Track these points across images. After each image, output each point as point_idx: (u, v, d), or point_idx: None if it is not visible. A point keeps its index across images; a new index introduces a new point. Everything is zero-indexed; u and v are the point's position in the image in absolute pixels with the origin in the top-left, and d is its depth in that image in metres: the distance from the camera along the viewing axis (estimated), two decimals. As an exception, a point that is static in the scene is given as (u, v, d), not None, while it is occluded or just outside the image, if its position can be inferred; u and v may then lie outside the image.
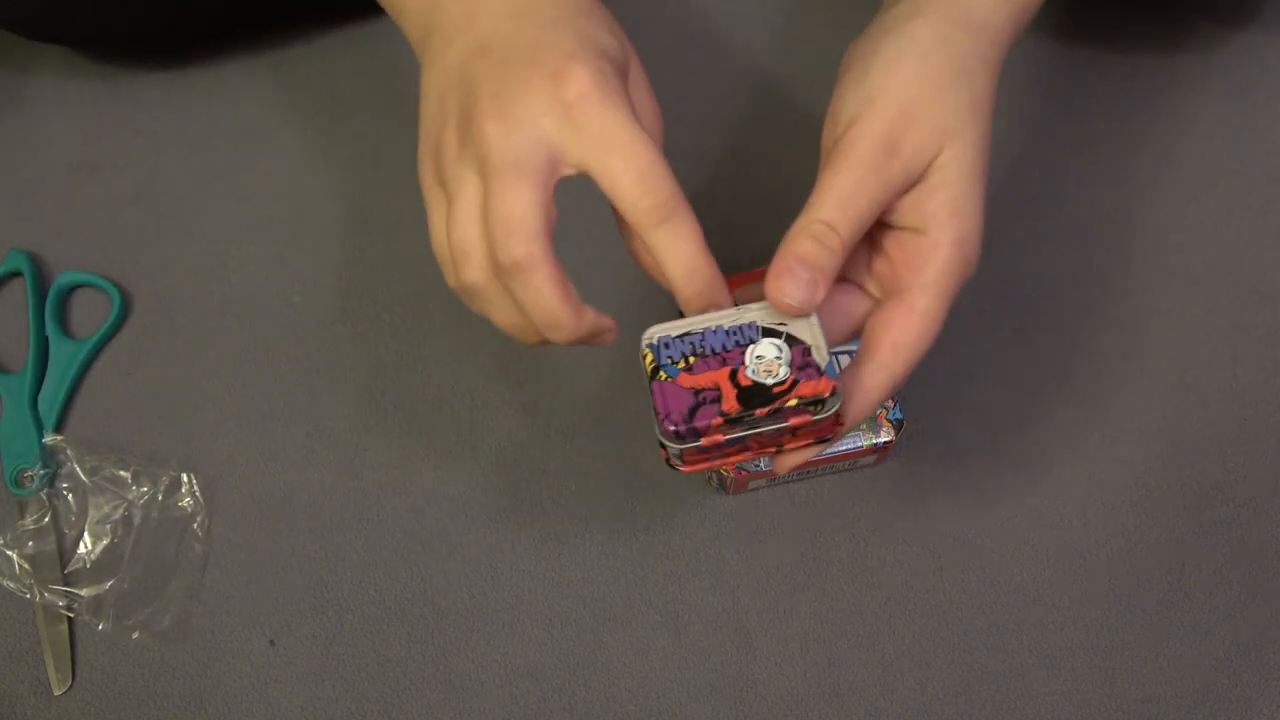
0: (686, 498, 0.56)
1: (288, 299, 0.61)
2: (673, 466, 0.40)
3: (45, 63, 0.68)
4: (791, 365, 0.38)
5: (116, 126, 0.67)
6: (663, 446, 0.39)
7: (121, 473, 0.56)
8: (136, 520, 0.55)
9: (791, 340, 0.39)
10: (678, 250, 0.38)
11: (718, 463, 0.40)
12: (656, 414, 0.38)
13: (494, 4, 0.41)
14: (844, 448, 0.52)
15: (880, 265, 0.42)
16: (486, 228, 0.37)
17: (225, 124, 0.67)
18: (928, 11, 0.41)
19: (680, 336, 0.39)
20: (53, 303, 0.60)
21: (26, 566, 0.54)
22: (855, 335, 0.43)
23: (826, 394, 0.37)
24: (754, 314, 0.39)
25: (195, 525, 0.55)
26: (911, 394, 0.58)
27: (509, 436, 0.57)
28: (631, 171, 0.37)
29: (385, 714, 0.52)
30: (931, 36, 0.41)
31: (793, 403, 0.37)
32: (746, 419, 0.38)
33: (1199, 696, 0.52)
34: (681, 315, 0.40)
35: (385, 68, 0.68)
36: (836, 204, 0.39)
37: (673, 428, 0.37)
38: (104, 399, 0.59)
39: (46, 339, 0.60)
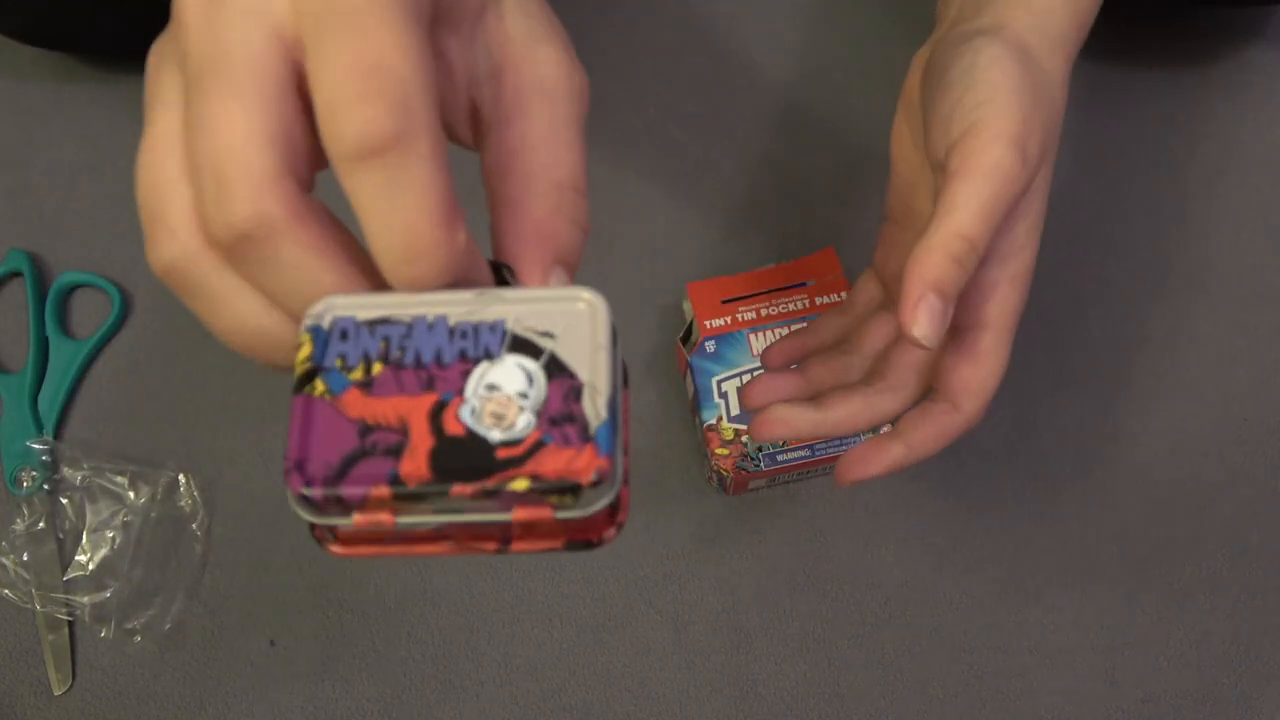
0: (687, 498, 0.56)
1: (288, 299, 0.61)
2: (319, 541, 0.24)
3: (45, 63, 0.68)
4: (541, 413, 0.22)
5: (116, 126, 0.67)
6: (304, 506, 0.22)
7: (121, 475, 0.56)
8: (136, 522, 0.55)
9: (555, 367, 0.22)
10: (393, 207, 0.23)
11: (393, 551, 0.23)
12: (286, 454, 0.22)
13: None
14: (844, 448, 0.52)
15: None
16: (191, 175, 0.23)
17: (225, 124, 0.67)
18: (1012, 25, 0.40)
19: (372, 323, 0.23)
20: (53, 303, 0.60)
21: (25, 574, 0.54)
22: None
23: (585, 480, 0.21)
24: (507, 306, 0.23)
25: (195, 525, 0.55)
26: (911, 394, 0.58)
27: (509, 436, 0.57)
28: (348, 60, 0.21)
29: (385, 714, 0.52)
30: (1027, 51, 0.39)
31: (521, 484, 0.21)
32: (436, 497, 0.21)
33: (1199, 696, 0.52)
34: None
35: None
36: (980, 216, 0.35)
37: (304, 489, 0.21)
38: (104, 399, 0.59)
39: (46, 339, 0.59)
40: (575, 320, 0.22)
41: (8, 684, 0.52)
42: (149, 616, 0.53)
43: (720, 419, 0.52)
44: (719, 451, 0.52)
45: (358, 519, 0.21)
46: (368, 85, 0.21)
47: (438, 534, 0.23)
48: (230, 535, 0.55)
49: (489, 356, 0.22)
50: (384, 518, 0.21)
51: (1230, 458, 0.56)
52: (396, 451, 0.21)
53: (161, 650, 0.53)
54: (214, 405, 0.58)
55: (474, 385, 0.22)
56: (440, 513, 0.22)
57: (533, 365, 0.22)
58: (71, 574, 0.54)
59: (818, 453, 0.52)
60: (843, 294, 0.55)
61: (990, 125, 0.36)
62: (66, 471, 0.56)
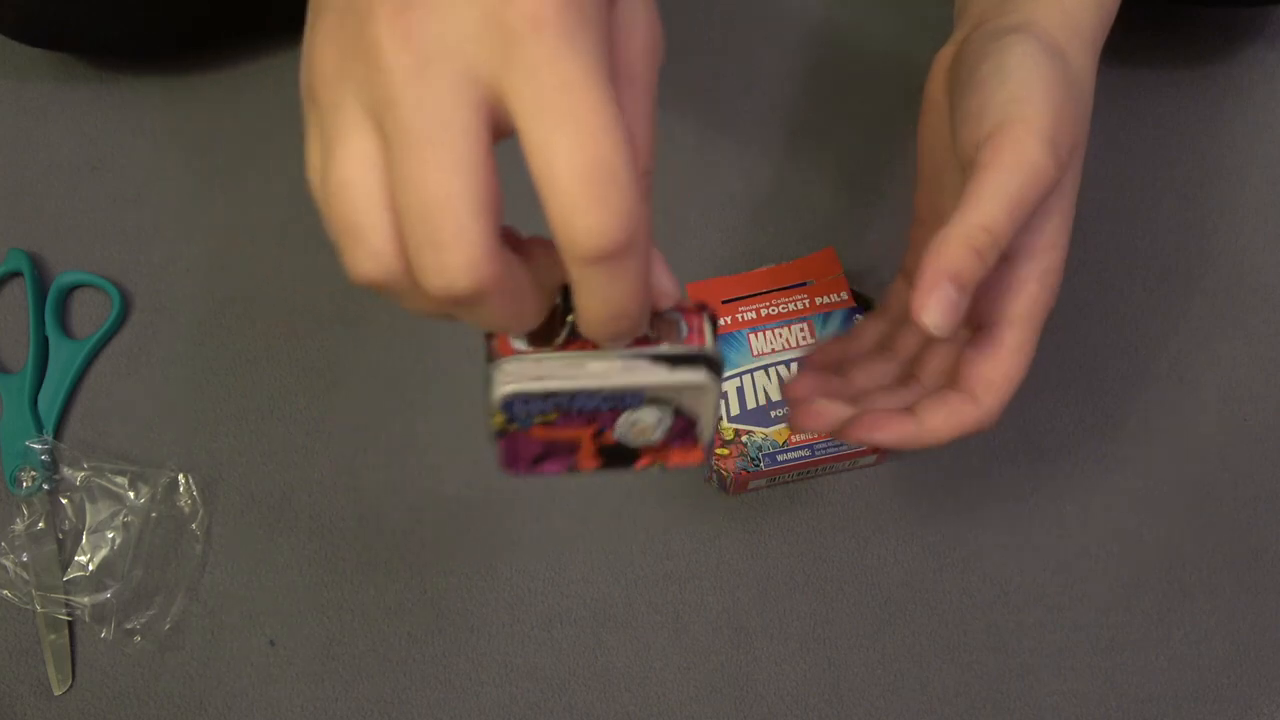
0: (686, 498, 0.56)
1: (288, 299, 0.61)
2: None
3: (45, 63, 0.68)
4: (669, 432, 0.32)
5: (116, 126, 0.67)
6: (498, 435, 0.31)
7: (121, 475, 0.56)
8: (136, 522, 0.55)
9: (679, 412, 0.31)
10: (610, 293, 0.26)
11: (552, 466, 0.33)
12: (502, 462, 0.32)
13: None
14: (844, 448, 0.52)
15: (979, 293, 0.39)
16: (398, 215, 0.25)
17: (225, 124, 0.67)
18: (1042, 22, 0.40)
19: (544, 396, 0.30)
20: (53, 303, 0.60)
21: (25, 575, 0.54)
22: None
23: (697, 465, 0.33)
24: (643, 375, 0.30)
25: (194, 525, 0.55)
26: (911, 394, 0.58)
27: (509, 436, 0.57)
28: (578, 162, 0.24)
29: (385, 714, 0.52)
30: (1056, 48, 0.39)
31: (652, 465, 0.33)
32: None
33: (1199, 696, 0.52)
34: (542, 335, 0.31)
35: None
36: (1007, 208, 0.35)
37: (511, 472, 0.32)
38: (104, 399, 0.59)
39: (46, 339, 0.59)
40: (697, 389, 0.31)
41: (8, 684, 0.52)
42: (149, 616, 0.53)
43: (721, 420, 0.52)
44: (720, 451, 0.52)
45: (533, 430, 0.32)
46: (597, 192, 0.24)
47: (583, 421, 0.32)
48: (230, 535, 0.55)
49: (632, 407, 0.31)
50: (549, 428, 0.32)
51: (1230, 458, 0.56)
52: (572, 452, 0.32)
53: (161, 650, 0.53)
54: (214, 405, 0.58)
55: (622, 422, 0.31)
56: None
57: (665, 410, 0.31)
58: (71, 574, 0.54)
59: (818, 453, 0.52)
60: (843, 294, 0.55)
61: (1023, 120, 0.36)
62: (66, 471, 0.56)
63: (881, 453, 0.54)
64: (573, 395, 0.30)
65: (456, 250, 0.24)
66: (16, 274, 0.61)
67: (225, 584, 0.54)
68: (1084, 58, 0.40)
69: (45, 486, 0.56)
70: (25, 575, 0.54)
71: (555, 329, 0.30)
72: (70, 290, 0.62)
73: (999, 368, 0.38)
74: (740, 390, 0.53)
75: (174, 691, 0.52)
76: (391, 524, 0.56)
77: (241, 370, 0.59)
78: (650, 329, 0.31)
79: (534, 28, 0.24)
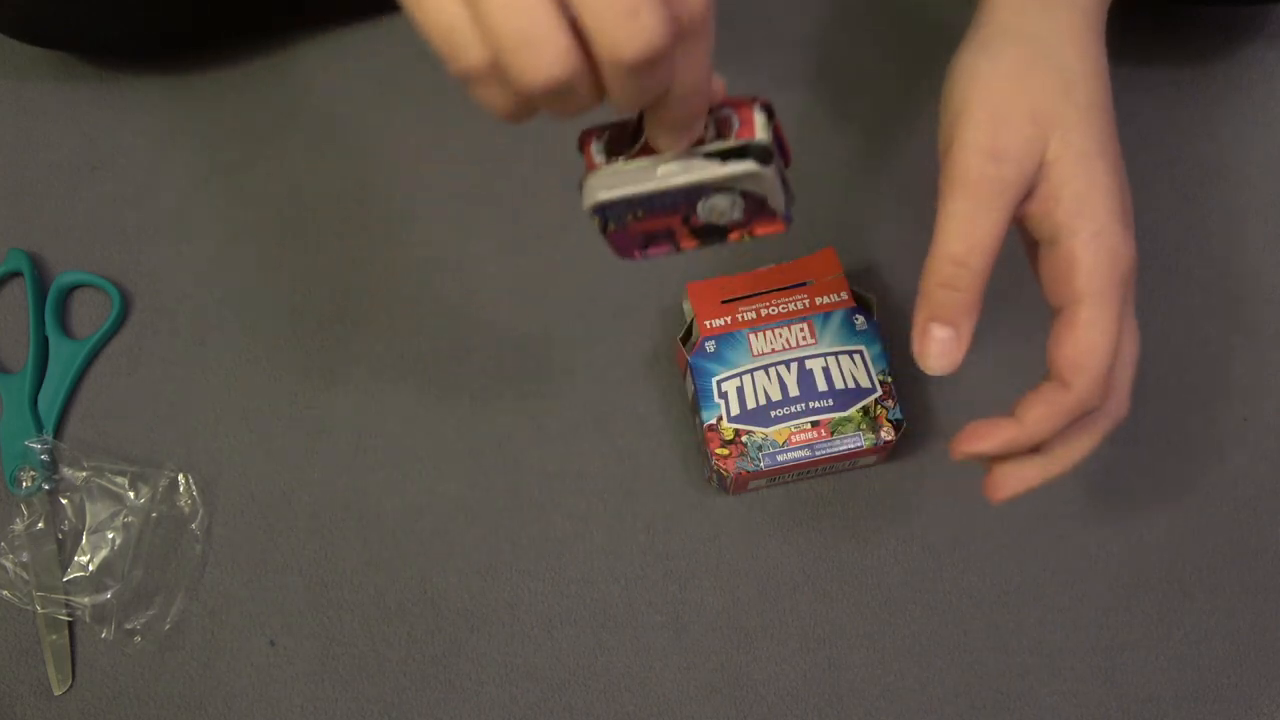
0: (686, 498, 0.56)
1: (288, 299, 0.61)
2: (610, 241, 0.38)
3: (45, 63, 0.68)
4: (745, 211, 0.37)
5: (116, 126, 0.67)
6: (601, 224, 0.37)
7: (121, 475, 0.56)
8: (136, 522, 0.55)
9: (745, 194, 0.36)
10: (649, 97, 0.30)
11: (658, 248, 0.39)
12: (615, 252, 0.39)
13: None
14: (844, 448, 0.52)
15: (1045, 284, 0.40)
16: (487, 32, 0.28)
17: (225, 124, 0.67)
18: (998, 6, 0.40)
19: (624, 201, 0.35)
20: (53, 303, 0.60)
21: (25, 575, 0.54)
22: None
23: (780, 232, 0.38)
24: (699, 171, 0.35)
25: (194, 525, 0.55)
26: (911, 394, 0.58)
27: (509, 436, 0.57)
28: None
29: (385, 714, 0.52)
30: (1004, 31, 0.40)
31: (746, 238, 0.38)
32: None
33: (1199, 696, 0.52)
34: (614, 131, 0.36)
35: (385, 68, 0.68)
36: (961, 234, 0.37)
37: (629, 257, 0.39)
38: (104, 399, 0.59)
39: (46, 339, 0.59)
40: (751, 176, 0.35)
41: (8, 684, 0.52)
42: (149, 617, 0.53)
43: (720, 419, 0.52)
44: (719, 451, 0.52)
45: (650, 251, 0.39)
46: (625, 7, 0.27)
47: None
48: (230, 535, 0.55)
49: (703, 197, 0.35)
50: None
51: (1230, 458, 0.56)
52: (671, 235, 0.37)
53: (161, 650, 0.53)
54: (214, 405, 0.58)
55: (700, 208, 0.36)
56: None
57: (730, 196, 0.35)
58: (71, 574, 0.54)
59: (818, 452, 0.52)
60: (843, 294, 0.55)
61: (959, 138, 0.37)
62: (66, 471, 0.56)
63: (881, 452, 0.54)
64: (649, 196, 0.35)
65: (545, 52, 0.27)
66: (16, 274, 0.61)
67: (225, 584, 0.54)
68: (1051, 23, 0.40)
69: (45, 486, 0.56)
70: (25, 575, 0.54)
71: (630, 139, 0.35)
72: (70, 290, 0.62)
73: (1077, 345, 0.38)
74: (740, 390, 0.53)
75: (174, 691, 0.52)
76: (391, 524, 0.56)
77: (241, 370, 0.59)
78: (708, 128, 0.35)
79: None
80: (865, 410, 0.52)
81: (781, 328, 0.54)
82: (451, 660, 0.53)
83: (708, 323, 0.54)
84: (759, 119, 0.36)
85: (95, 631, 0.53)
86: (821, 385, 0.53)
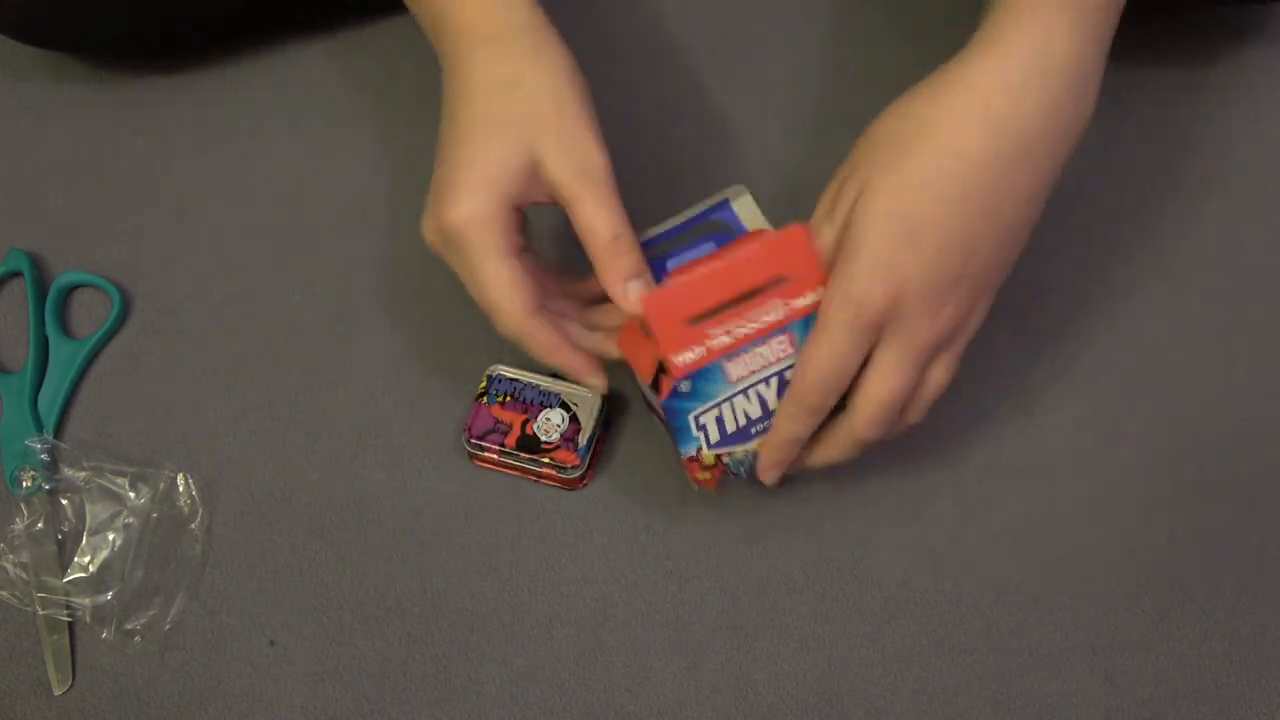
0: (686, 498, 0.56)
1: (288, 299, 0.61)
2: (473, 459, 0.56)
3: (45, 63, 0.68)
4: (563, 436, 0.54)
5: (116, 126, 0.67)
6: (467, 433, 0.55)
7: (121, 475, 0.56)
8: (136, 522, 0.55)
9: (575, 418, 0.54)
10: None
11: (494, 468, 0.56)
12: (465, 424, 0.55)
13: (449, 87, 0.48)
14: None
15: None
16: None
17: (225, 124, 0.67)
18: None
19: (511, 379, 0.55)
20: (53, 303, 0.60)
21: (24, 575, 0.54)
22: None
23: (569, 465, 0.53)
24: (561, 388, 0.55)
25: (194, 525, 0.55)
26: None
27: (509, 436, 0.57)
28: (492, 305, 0.47)
29: (385, 714, 0.52)
30: (902, 105, 0.47)
31: (547, 460, 0.54)
32: (514, 455, 0.54)
33: (1199, 696, 0.52)
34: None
35: (385, 69, 0.68)
36: (815, 382, 0.46)
37: (469, 438, 0.55)
38: (104, 399, 0.59)
39: (46, 339, 0.59)
40: (588, 400, 0.55)
41: (8, 684, 0.52)
42: (149, 617, 0.53)
43: (701, 449, 0.49)
44: (701, 476, 0.50)
45: (485, 454, 0.55)
46: (499, 315, 0.48)
47: (509, 466, 0.56)
48: (230, 535, 0.55)
49: (550, 406, 0.55)
50: (493, 457, 0.55)
51: (1230, 458, 0.56)
52: (506, 433, 0.54)
53: (161, 650, 0.53)
54: (214, 405, 0.58)
55: (541, 416, 0.55)
56: (513, 458, 0.55)
57: (566, 414, 0.55)
58: (72, 575, 0.54)
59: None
60: (819, 290, 0.47)
61: (831, 280, 0.45)
62: (66, 471, 0.56)
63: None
64: (525, 385, 0.56)
65: (505, 320, 0.47)
66: (16, 274, 0.61)
67: (225, 584, 0.54)
68: (1077, 35, 0.44)
69: (45, 486, 0.56)
70: (25, 576, 0.54)
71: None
72: (70, 290, 0.62)
73: (800, 358, 0.47)
74: (720, 420, 0.49)
75: (174, 691, 0.52)
76: (391, 524, 0.56)
77: (241, 370, 0.59)
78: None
79: (456, 231, 0.46)
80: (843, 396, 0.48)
81: (759, 347, 0.47)
82: (451, 660, 0.53)
83: (678, 359, 0.47)
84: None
85: (95, 632, 0.53)
86: None
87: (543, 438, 0.54)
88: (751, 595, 0.54)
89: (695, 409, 0.48)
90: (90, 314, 0.61)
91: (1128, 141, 0.64)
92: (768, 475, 0.50)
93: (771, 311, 0.47)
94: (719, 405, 0.48)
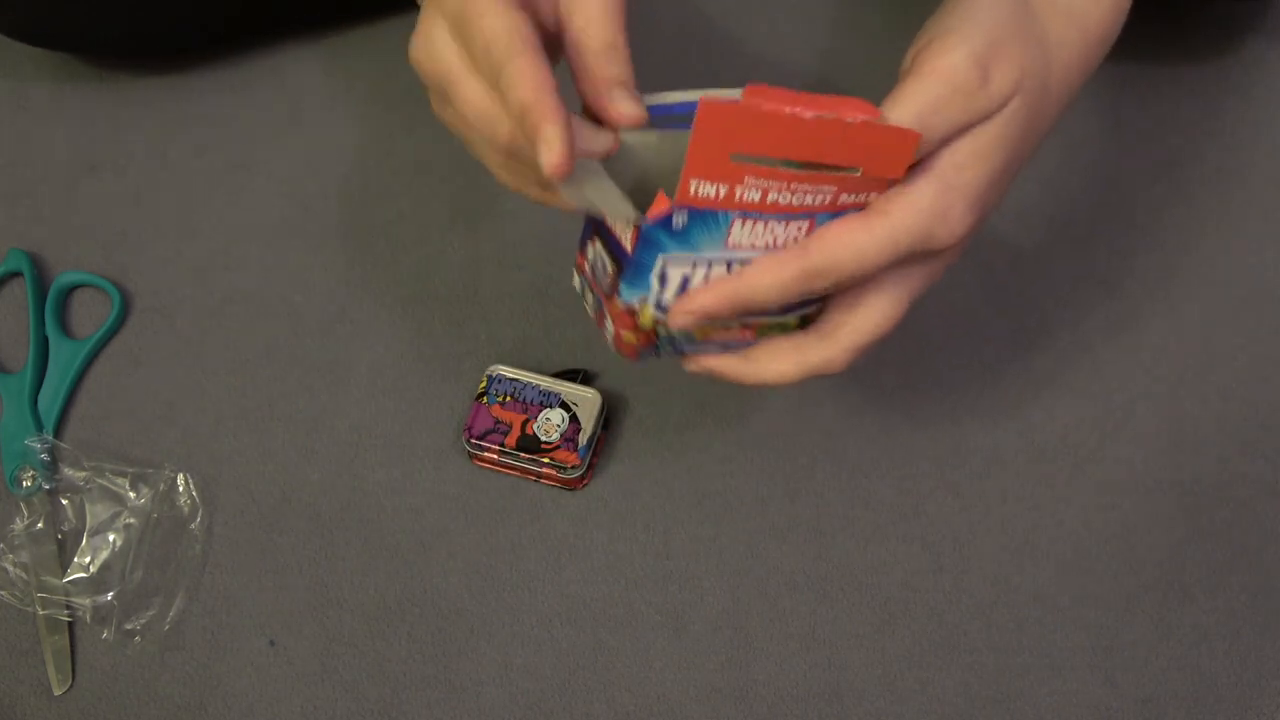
0: (686, 499, 0.56)
1: (288, 299, 0.61)
2: (473, 458, 0.57)
3: (46, 63, 0.68)
4: (563, 435, 0.54)
5: (116, 126, 0.67)
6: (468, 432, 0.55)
7: (121, 475, 0.56)
8: (136, 522, 0.55)
9: (575, 418, 0.55)
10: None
11: (494, 468, 0.56)
12: (466, 424, 0.55)
13: None
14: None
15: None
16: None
17: (225, 124, 0.67)
18: None
19: (511, 379, 0.56)
20: (53, 303, 0.60)
21: (24, 575, 0.54)
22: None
23: (569, 465, 0.54)
24: (561, 388, 0.56)
25: (194, 526, 0.55)
26: (911, 394, 0.58)
27: (509, 436, 0.57)
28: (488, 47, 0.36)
29: (385, 714, 0.52)
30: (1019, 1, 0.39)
31: (547, 460, 0.54)
32: (514, 455, 0.54)
33: (1199, 696, 0.52)
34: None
35: (384, 70, 0.68)
36: (915, 119, 0.36)
37: (469, 438, 0.55)
38: (104, 399, 0.59)
39: (46, 339, 0.60)
40: (588, 400, 0.56)
41: (8, 684, 0.52)
42: (149, 617, 0.53)
43: (644, 301, 0.39)
44: (626, 336, 0.41)
45: (485, 454, 0.55)
46: None
47: (514, 468, 0.56)
48: (230, 535, 0.55)
49: (550, 406, 0.55)
50: (493, 457, 0.55)
51: (1230, 458, 0.56)
52: (506, 433, 0.55)
53: (161, 651, 0.53)
54: (214, 405, 0.58)
55: (541, 416, 0.55)
56: (514, 458, 0.55)
57: (566, 414, 0.55)
58: (72, 575, 0.54)
59: (732, 349, 0.43)
60: (873, 197, 0.39)
61: (955, 32, 0.36)
62: (66, 471, 0.56)
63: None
64: (524, 385, 0.57)
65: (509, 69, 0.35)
66: (16, 274, 0.61)
67: (225, 584, 0.54)
68: (1058, 26, 0.40)
69: (45, 486, 0.56)
70: (25, 576, 0.54)
71: None
72: (70, 290, 0.62)
73: (844, 233, 0.38)
74: (686, 279, 0.39)
75: (174, 692, 0.52)
76: (391, 524, 0.56)
77: (241, 370, 0.59)
78: None
79: None
80: (805, 319, 0.42)
81: (776, 222, 0.38)
82: (451, 660, 0.53)
83: (695, 187, 0.37)
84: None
85: (95, 632, 0.53)
86: None
87: (543, 438, 0.54)
88: (751, 595, 0.54)
89: (670, 253, 0.38)
90: (90, 314, 0.61)
91: (1127, 141, 0.64)
92: (701, 352, 0.42)
93: (819, 194, 0.38)
94: (695, 262, 0.39)
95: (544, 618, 0.53)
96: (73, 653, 0.53)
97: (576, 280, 0.44)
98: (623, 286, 0.39)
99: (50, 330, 0.60)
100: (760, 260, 0.38)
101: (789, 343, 0.41)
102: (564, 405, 0.55)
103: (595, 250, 0.42)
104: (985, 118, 0.37)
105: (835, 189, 0.38)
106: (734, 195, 0.37)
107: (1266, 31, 0.68)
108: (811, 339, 0.41)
